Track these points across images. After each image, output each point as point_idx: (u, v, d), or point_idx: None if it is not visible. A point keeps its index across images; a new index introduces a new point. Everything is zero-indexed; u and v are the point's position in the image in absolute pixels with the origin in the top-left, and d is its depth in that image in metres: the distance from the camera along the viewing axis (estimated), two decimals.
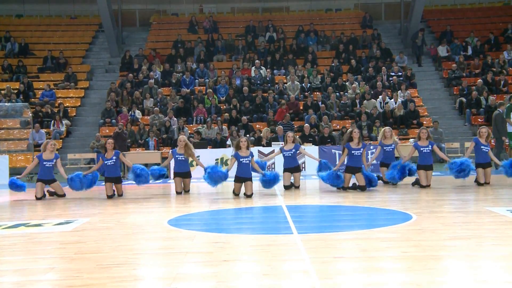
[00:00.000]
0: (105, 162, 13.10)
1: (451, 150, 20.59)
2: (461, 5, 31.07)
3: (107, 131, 22.22)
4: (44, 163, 13.37)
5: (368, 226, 8.61)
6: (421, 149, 13.32)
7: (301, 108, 23.24)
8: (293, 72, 24.99)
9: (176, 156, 13.83)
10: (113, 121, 22.74)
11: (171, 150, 14.61)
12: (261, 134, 20.12)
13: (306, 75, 24.94)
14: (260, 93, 23.66)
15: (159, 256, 7.09)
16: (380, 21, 31.02)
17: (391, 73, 25.16)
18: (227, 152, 18.76)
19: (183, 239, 7.92)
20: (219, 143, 20.02)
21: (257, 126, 22.04)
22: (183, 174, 13.75)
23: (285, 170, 14.19)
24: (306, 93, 24.03)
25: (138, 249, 7.45)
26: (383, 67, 25.21)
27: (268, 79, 25.14)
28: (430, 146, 13.36)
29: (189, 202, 12.44)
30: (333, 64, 25.87)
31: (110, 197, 13.02)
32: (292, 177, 14.12)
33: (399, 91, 23.52)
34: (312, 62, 26.29)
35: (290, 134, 14.30)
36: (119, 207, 11.65)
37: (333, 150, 18.68)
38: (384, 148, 14.30)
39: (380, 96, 23.12)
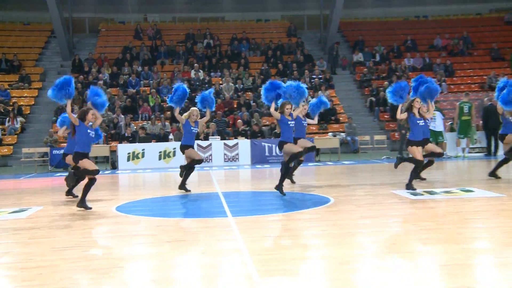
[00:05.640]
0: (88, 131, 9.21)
1: (363, 142, 21.09)
2: (370, 19, 31.76)
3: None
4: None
5: (293, 209, 8.72)
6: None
7: (235, 106, 23.29)
8: (228, 74, 25.00)
9: (191, 128, 11.34)
10: None
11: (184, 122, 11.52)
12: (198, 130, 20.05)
13: (239, 77, 24.99)
14: (199, 93, 23.48)
15: (108, 238, 6.97)
16: (303, 30, 31.34)
17: (313, 76, 25.50)
18: (170, 146, 18.62)
19: (129, 224, 7.82)
20: (162, 138, 19.83)
21: None
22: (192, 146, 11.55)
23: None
24: (239, 93, 24.08)
25: (88, 233, 7.30)
26: (306, 71, 25.52)
27: (206, 80, 25.05)
28: None
29: (135, 190, 12.27)
30: (263, 68, 26.00)
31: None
32: None
33: (320, 91, 23.85)
34: (245, 65, 26.36)
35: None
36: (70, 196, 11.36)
37: (263, 143, 18.79)
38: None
39: None
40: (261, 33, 30.07)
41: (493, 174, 11.57)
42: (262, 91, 10.51)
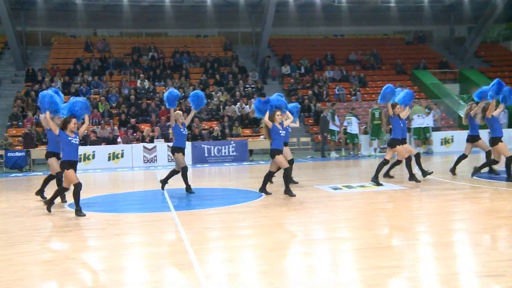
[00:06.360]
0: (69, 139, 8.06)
1: (291, 144, 21.28)
2: (296, 36, 32.19)
3: (14, 131, 20.75)
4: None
5: (229, 203, 8.72)
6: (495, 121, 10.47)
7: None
8: (170, 84, 24.66)
9: (181, 131, 10.33)
10: (20, 123, 21.29)
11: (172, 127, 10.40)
12: (144, 133, 19.73)
13: (181, 86, 24.74)
14: (144, 100, 23.18)
15: (60, 233, 6.74)
16: (238, 45, 31.39)
17: (246, 85, 25.58)
18: (118, 148, 18.28)
19: (80, 219, 7.58)
20: (111, 141, 19.36)
21: (142, 127, 21.52)
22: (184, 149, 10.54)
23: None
24: (181, 101, 23.81)
25: (41, 229, 7.04)
26: (240, 81, 25.57)
27: (150, 89, 24.65)
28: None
29: (86, 188, 11.89)
30: (202, 78, 25.85)
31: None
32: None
33: (252, 99, 23.98)
34: (186, 76, 26.11)
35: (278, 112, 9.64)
36: (24, 194, 10.92)
37: (202, 145, 18.68)
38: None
39: (238, 103, 23.45)
40: (200, 47, 29.90)
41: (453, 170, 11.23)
42: (254, 108, 9.63)
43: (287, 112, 10.13)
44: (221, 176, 13.30)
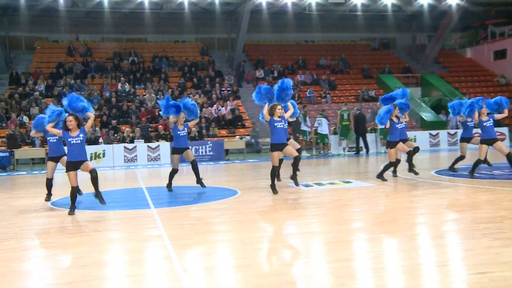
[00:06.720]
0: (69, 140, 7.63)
1: (265, 143, 21.39)
2: (269, 42, 32.25)
3: None
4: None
5: (206, 200, 8.68)
6: (484, 124, 10.02)
7: (157, 114, 22.79)
8: (150, 87, 24.46)
9: (179, 132, 9.91)
10: (4, 124, 20.81)
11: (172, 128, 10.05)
12: (124, 134, 19.50)
13: (160, 89, 24.53)
14: (125, 103, 22.92)
15: (43, 230, 6.60)
16: (214, 50, 31.28)
17: (222, 88, 25.50)
18: (100, 148, 18.05)
19: (63, 217, 7.45)
20: (93, 141, 19.06)
21: (123, 127, 21.27)
22: (184, 149, 9.88)
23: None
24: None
25: (25, 226, 6.87)
26: (217, 84, 25.48)
27: (131, 92, 24.38)
28: (491, 119, 10.08)
29: (69, 187, 11.67)
30: (180, 81, 25.65)
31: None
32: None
33: (228, 101, 23.93)
34: (165, 79, 25.91)
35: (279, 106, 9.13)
36: (8, 193, 10.67)
37: None
38: (484, 124, 10.05)
39: (215, 105, 23.36)
40: (178, 52, 29.68)
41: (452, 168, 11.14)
42: (254, 97, 9.28)
43: (288, 104, 9.58)
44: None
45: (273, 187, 9.04)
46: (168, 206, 8.10)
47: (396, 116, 10.39)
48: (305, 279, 4.11)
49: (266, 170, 14.29)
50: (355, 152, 18.96)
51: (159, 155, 18.16)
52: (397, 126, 10.32)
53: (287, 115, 9.31)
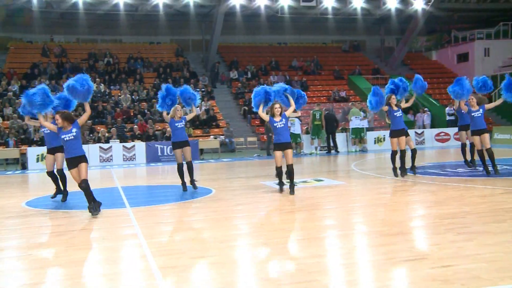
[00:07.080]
0: (62, 136, 7.35)
1: (238, 143, 21.41)
2: (243, 44, 32.25)
3: None
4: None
5: (181, 199, 8.63)
6: (473, 114, 9.84)
7: (132, 114, 22.55)
8: (125, 87, 24.18)
9: (176, 125, 9.37)
10: None
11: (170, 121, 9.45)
12: (100, 134, 19.22)
13: (135, 90, 24.26)
14: (100, 103, 22.56)
15: (17, 230, 6.45)
16: (189, 52, 31.11)
17: (197, 89, 25.32)
18: None
19: (37, 216, 7.30)
20: None
21: (98, 128, 20.96)
22: (183, 143, 9.44)
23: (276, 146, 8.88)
24: (136, 103, 23.37)
25: (2, 226, 6.70)
26: (191, 85, 25.32)
27: (106, 93, 24.03)
28: (481, 110, 9.82)
29: (43, 187, 11.46)
30: (155, 82, 25.42)
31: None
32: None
33: (203, 102, 23.82)
34: (140, 80, 25.64)
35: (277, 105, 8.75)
36: None
37: (156, 145, 18.40)
38: (472, 114, 9.89)
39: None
40: (153, 53, 29.42)
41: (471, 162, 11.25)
42: (253, 98, 8.83)
43: (290, 99, 8.83)
44: (173, 174, 13.12)
45: (280, 185, 8.81)
46: (144, 205, 8.02)
47: (396, 105, 10.14)
48: (279, 275, 4.14)
49: (240, 168, 14.32)
50: (326, 151, 19.12)
51: (134, 154, 17.97)
52: (395, 114, 10.08)
53: (288, 112, 8.71)
